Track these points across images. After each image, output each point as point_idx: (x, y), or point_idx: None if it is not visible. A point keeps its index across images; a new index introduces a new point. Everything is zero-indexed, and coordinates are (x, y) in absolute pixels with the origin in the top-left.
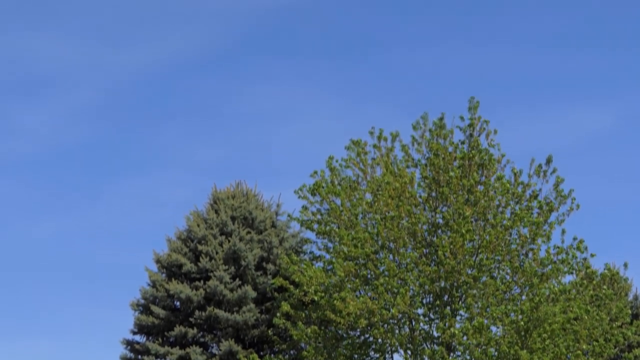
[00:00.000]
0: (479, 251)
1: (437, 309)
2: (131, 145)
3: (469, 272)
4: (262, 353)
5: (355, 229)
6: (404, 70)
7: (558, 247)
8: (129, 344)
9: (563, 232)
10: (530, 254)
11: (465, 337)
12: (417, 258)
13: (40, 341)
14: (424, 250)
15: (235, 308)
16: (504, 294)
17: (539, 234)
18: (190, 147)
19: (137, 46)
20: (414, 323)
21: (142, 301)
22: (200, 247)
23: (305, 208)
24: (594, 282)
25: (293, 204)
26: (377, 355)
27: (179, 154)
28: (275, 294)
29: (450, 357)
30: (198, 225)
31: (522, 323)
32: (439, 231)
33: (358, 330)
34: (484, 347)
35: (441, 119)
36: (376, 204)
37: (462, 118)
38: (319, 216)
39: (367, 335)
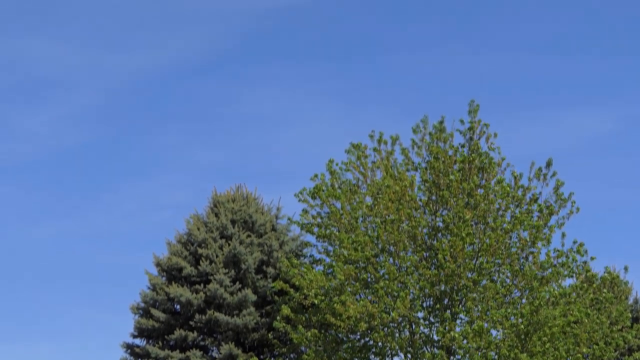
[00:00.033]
0: (479, 254)
1: (437, 312)
2: (131, 148)
3: (469, 275)
4: (262, 356)
5: (356, 232)
6: (404, 74)
7: (558, 251)
8: (129, 347)
9: (563, 235)
10: (530, 258)
11: (465, 341)
12: (417, 261)
13: (40, 344)
14: (424, 254)
15: (236, 311)
16: (504, 298)
17: (539, 237)
18: (191, 150)
19: (137, 49)
20: (414, 326)
21: (142, 304)
22: (200, 251)
23: (305, 211)
24: (594, 285)
25: (293, 207)
26: (378, 359)
27: (179, 156)
28: (276, 298)
29: None
30: (198, 229)
31: (522, 326)
32: (439, 234)
33: (358, 333)
34: (484, 350)
35: (441, 122)
36: (376, 207)
37: (462, 121)
38: (319, 219)
39: (367, 339)
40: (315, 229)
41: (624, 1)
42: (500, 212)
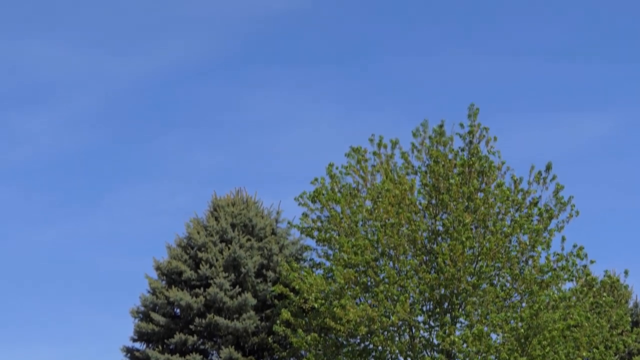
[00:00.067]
0: (479, 258)
1: (437, 316)
2: (131, 152)
3: (469, 279)
4: None
5: (355, 236)
6: (404, 78)
7: (558, 254)
8: (129, 351)
9: (563, 239)
10: (530, 261)
11: (465, 345)
12: (417, 265)
13: (40, 348)
14: (424, 258)
15: (235, 315)
16: (504, 301)
17: (538, 241)
18: (191, 154)
19: (137, 53)
20: (414, 330)
21: (142, 308)
22: (200, 255)
23: (305, 215)
24: (594, 289)
25: (293, 211)
26: None
27: (179, 160)
28: (275, 301)
29: None
30: (198, 233)
31: (522, 330)
32: (439, 238)
33: (358, 337)
34: (483, 354)
35: (441, 126)
36: (376, 211)
37: (462, 125)
38: (319, 223)
39: (367, 343)
40: (315, 233)
41: (624, 6)
42: (500, 216)
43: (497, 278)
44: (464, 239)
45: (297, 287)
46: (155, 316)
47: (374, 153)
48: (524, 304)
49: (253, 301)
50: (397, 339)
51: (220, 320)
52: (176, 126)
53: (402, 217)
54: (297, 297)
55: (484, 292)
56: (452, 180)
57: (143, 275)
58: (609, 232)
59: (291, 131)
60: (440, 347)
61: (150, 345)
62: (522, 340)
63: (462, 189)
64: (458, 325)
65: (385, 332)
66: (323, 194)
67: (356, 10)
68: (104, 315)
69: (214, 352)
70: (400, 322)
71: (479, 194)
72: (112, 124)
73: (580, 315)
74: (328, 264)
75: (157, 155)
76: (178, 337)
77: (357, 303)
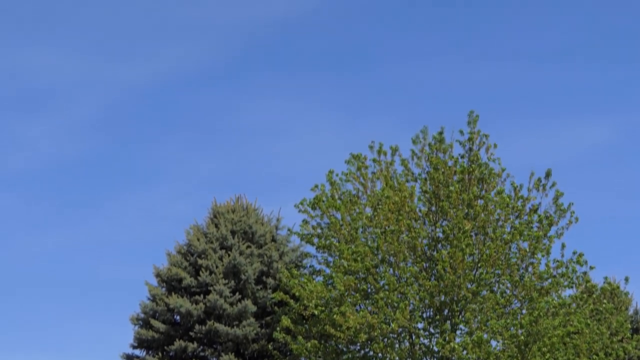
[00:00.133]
0: (479, 265)
1: (437, 323)
2: (131, 159)
3: (469, 286)
4: None
5: (355, 243)
6: (404, 84)
7: (558, 261)
8: (129, 358)
9: (563, 246)
10: (530, 268)
11: (465, 352)
12: (417, 272)
13: (39, 354)
14: (424, 265)
15: (236, 322)
16: (504, 308)
17: (538, 247)
18: (190, 161)
19: (136, 60)
20: (413, 337)
21: (142, 315)
22: (200, 261)
23: (305, 222)
24: (594, 296)
25: (293, 218)
26: None
27: (179, 167)
28: (275, 308)
29: None
30: (198, 239)
31: (521, 337)
32: (439, 245)
33: (358, 344)
34: None
35: (441, 133)
36: (376, 218)
37: (461, 132)
38: (319, 230)
39: (367, 350)
40: (315, 240)
41: (624, 10)
42: (500, 223)
43: (497, 285)
44: (463, 246)
45: (297, 294)
46: (155, 323)
47: (374, 160)
48: (523, 311)
49: (253, 308)
50: (397, 346)
51: (220, 327)
52: (176, 132)
53: (402, 224)
54: (297, 304)
55: (484, 299)
56: (452, 187)
57: (143, 282)
58: (608, 239)
59: (291, 138)
60: (440, 354)
61: (150, 352)
62: (522, 347)
63: (462, 196)
64: (458, 332)
65: (385, 339)
66: (323, 201)
67: (356, 16)
68: (103, 322)
69: (214, 359)
70: (400, 329)
71: (478, 201)
72: (112, 130)
73: (580, 322)
74: (328, 270)
75: (157, 162)
76: (178, 344)
77: (357, 310)
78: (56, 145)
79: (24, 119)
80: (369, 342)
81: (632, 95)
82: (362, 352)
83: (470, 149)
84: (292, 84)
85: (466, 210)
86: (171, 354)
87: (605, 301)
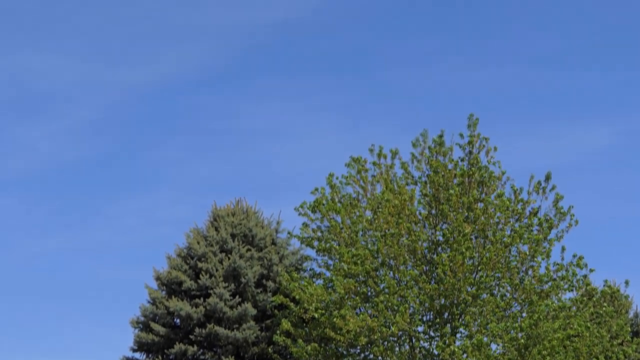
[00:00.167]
0: (479, 268)
1: (437, 326)
2: (131, 163)
3: (469, 289)
4: None
5: (356, 246)
6: (404, 88)
7: (558, 264)
8: None
9: (563, 249)
10: (530, 271)
11: (465, 355)
12: (417, 275)
13: (39, 358)
14: (424, 268)
15: (236, 325)
16: (504, 311)
17: (538, 251)
18: (190, 164)
19: (136, 63)
20: (414, 341)
21: (142, 319)
22: (200, 265)
23: (305, 225)
24: (594, 299)
25: (293, 221)
26: None
27: (179, 170)
28: (275, 312)
29: None
30: (198, 243)
31: (521, 340)
32: (439, 249)
33: (358, 347)
34: None
35: (441, 136)
36: (376, 221)
37: (461, 135)
38: (319, 233)
39: (367, 353)
40: (316, 243)
41: (624, 14)
42: (500, 226)
43: (497, 288)
44: (463, 249)
45: (297, 297)
46: (155, 326)
47: (374, 163)
48: (524, 314)
49: (253, 311)
50: (397, 349)
51: (220, 330)
52: (176, 136)
53: (402, 227)
54: (297, 307)
55: (484, 302)
56: (451, 191)
57: (143, 285)
58: (608, 242)
59: (291, 141)
60: (440, 357)
61: (150, 355)
62: (522, 351)
63: (462, 199)
64: (458, 335)
65: (385, 343)
66: (323, 204)
67: (355, 20)
68: (103, 325)
69: None
70: (400, 333)
71: (478, 204)
72: (112, 133)
73: (580, 325)
74: (328, 274)
75: (156, 165)
76: (178, 347)
77: (357, 313)
78: (56, 148)
79: (24, 121)
80: (369, 345)
81: (632, 99)
82: (362, 355)
83: (470, 152)
84: (292, 86)
85: (466, 214)
86: (171, 357)
87: (605, 304)
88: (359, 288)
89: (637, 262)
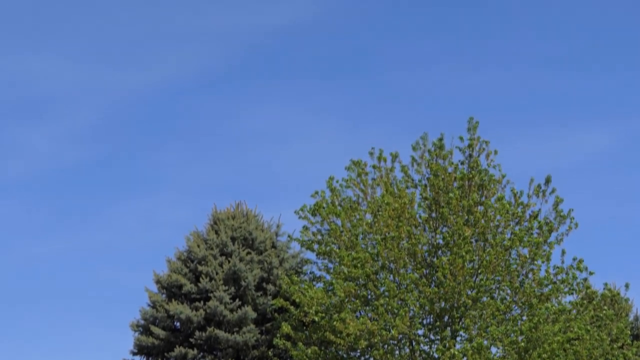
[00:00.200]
0: (479, 272)
1: (437, 329)
2: (131, 165)
3: (469, 292)
4: None
5: (356, 249)
6: (404, 91)
7: (558, 267)
8: None
9: (563, 252)
10: (530, 274)
11: (465, 358)
12: (417, 279)
13: None
14: (424, 271)
15: (236, 329)
16: (504, 315)
17: (538, 254)
18: (190, 168)
19: (136, 67)
20: (414, 344)
21: (142, 322)
22: (200, 268)
23: (305, 228)
24: (594, 302)
25: (293, 224)
26: None
27: (179, 173)
28: (276, 315)
29: None
30: (198, 246)
31: (521, 343)
32: (439, 252)
33: (358, 351)
34: None
35: (440, 139)
36: (376, 224)
37: (461, 138)
38: (319, 237)
39: (367, 356)
40: (316, 246)
41: (625, 17)
42: (500, 229)
43: (497, 291)
44: (464, 253)
45: (297, 300)
46: (155, 329)
47: (374, 166)
48: (524, 317)
49: (253, 314)
50: (397, 352)
51: (221, 333)
52: (176, 139)
53: (402, 230)
54: (297, 311)
55: (484, 306)
56: (452, 194)
57: (143, 289)
58: (608, 245)
59: (291, 144)
60: None
61: (150, 358)
62: (522, 354)
63: (462, 202)
64: (458, 338)
65: (386, 346)
66: (323, 207)
67: (356, 23)
68: (103, 329)
69: None
70: (400, 336)
71: (478, 207)
72: (112, 137)
73: (581, 328)
74: (328, 277)
75: (157, 167)
76: (178, 350)
77: (357, 316)
78: (56, 150)
79: (24, 125)
80: (369, 348)
81: (631, 102)
82: (362, 358)
83: (470, 156)
84: (292, 90)
85: (466, 217)
86: None
87: (605, 307)
88: (359, 291)
89: (637, 265)
